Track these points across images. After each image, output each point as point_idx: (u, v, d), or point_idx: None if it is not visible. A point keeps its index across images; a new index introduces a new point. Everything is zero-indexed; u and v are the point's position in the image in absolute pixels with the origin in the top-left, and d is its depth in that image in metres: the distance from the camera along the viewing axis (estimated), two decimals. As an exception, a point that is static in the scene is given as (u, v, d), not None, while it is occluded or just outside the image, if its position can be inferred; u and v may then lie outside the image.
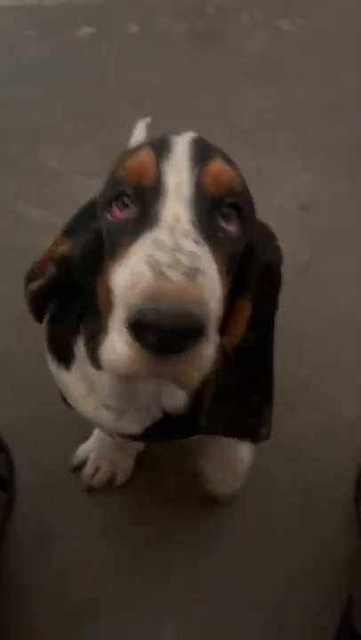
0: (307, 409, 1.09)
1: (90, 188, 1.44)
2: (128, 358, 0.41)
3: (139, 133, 1.50)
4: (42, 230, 1.36)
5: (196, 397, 0.61)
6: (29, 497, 0.97)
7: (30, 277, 0.64)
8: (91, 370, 0.63)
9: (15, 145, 1.59)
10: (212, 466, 0.94)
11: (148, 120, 1.51)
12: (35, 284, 0.62)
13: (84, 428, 1.01)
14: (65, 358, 0.67)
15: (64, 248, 0.59)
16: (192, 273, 0.40)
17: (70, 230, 0.60)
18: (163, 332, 0.38)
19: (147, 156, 0.50)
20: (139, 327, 0.39)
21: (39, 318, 0.69)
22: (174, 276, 0.39)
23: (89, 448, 1.00)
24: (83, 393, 0.67)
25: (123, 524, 0.95)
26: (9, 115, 1.70)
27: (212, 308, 0.42)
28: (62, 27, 2.01)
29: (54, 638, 0.84)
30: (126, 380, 0.45)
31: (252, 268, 0.54)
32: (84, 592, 0.88)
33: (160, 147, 0.50)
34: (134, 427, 0.67)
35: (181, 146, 0.50)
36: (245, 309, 0.54)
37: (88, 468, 0.99)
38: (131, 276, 0.42)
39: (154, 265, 0.40)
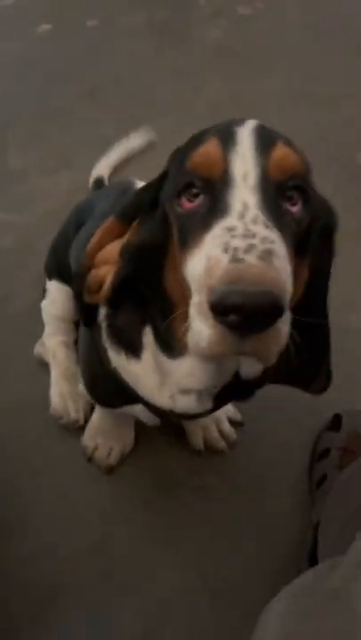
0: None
1: (50, 185, 1.49)
2: (213, 340, 0.44)
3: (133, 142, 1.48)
4: (3, 231, 1.39)
5: None
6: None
7: (82, 274, 0.63)
8: (164, 359, 0.63)
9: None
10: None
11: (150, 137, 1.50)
12: (107, 286, 0.61)
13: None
14: (133, 348, 0.67)
15: (131, 236, 0.59)
16: (267, 256, 0.42)
17: (128, 216, 0.60)
18: (247, 312, 0.41)
19: (214, 149, 0.50)
20: (222, 309, 0.41)
21: (91, 318, 0.70)
22: (251, 259, 0.42)
23: (92, 435, 1.04)
24: (156, 384, 0.67)
25: (83, 509, 1.00)
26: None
27: (288, 287, 0.44)
28: (20, 25, 2.02)
29: (15, 618, 0.89)
30: (210, 361, 0.48)
31: (311, 233, 0.55)
32: (45, 577, 0.93)
33: (225, 137, 0.51)
34: (209, 403, 0.68)
35: (246, 135, 0.51)
36: (303, 274, 0.56)
37: (100, 453, 1.03)
38: (208, 261, 0.44)
39: (230, 250, 0.43)
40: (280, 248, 0.45)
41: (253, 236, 0.44)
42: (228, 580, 0.94)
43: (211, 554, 0.96)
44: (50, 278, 1.11)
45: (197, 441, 1.05)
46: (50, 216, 1.41)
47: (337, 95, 1.86)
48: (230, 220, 0.46)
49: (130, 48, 1.98)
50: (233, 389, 0.68)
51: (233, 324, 0.42)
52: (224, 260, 0.42)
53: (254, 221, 0.45)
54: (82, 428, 1.06)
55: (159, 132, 1.64)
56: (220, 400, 0.70)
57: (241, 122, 0.54)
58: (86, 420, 1.07)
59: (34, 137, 1.65)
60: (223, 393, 0.68)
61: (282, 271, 0.43)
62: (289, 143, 0.53)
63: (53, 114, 1.72)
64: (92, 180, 1.41)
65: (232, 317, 0.42)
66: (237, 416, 1.09)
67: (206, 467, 1.05)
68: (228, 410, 1.08)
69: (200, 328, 0.45)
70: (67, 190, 1.48)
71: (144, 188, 0.61)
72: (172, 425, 1.06)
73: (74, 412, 1.07)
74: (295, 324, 0.51)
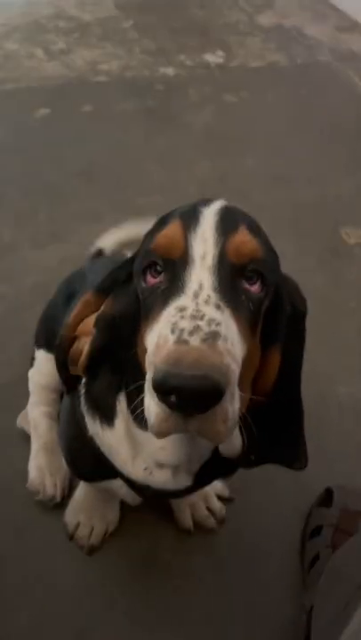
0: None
1: (40, 258, 1.52)
2: (159, 417, 0.45)
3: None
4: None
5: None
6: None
7: (64, 345, 0.64)
8: (136, 429, 0.63)
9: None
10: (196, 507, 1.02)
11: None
12: (84, 356, 0.62)
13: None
14: (108, 415, 0.67)
15: (106, 307, 0.61)
16: (211, 338, 0.43)
17: (104, 290, 0.63)
18: (183, 395, 0.42)
19: (175, 231, 0.53)
20: (162, 389, 0.43)
21: (73, 386, 0.70)
22: (193, 341, 0.43)
23: (75, 511, 1.00)
24: (130, 454, 0.66)
25: (60, 595, 0.95)
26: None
27: (233, 369, 0.44)
28: (19, 109, 2.14)
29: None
30: (160, 437, 0.48)
31: (280, 318, 0.57)
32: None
33: (189, 218, 0.53)
34: (187, 480, 0.67)
35: (209, 217, 0.53)
36: (275, 358, 0.57)
37: (82, 532, 0.99)
38: (158, 339, 0.46)
39: (176, 331, 0.44)
40: (228, 330, 0.46)
41: (202, 317, 0.45)
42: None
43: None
44: (38, 347, 1.11)
45: (186, 520, 1.01)
46: (39, 288, 1.43)
47: (315, 176, 1.95)
48: (184, 300, 0.47)
49: (123, 132, 2.08)
50: (214, 467, 0.67)
51: (173, 405, 0.43)
52: (170, 340, 0.44)
53: (206, 302, 0.46)
54: (61, 505, 1.02)
55: (150, 211, 1.70)
56: (202, 478, 0.68)
57: (208, 202, 0.56)
58: (64, 497, 1.04)
59: (25, 213, 1.69)
60: (205, 471, 0.67)
61: (226, 354, 0.44)
62: (253, 227, 0.55)
63: (46, 190, 1.78)
64: (93, 249, 1.40)
65: (172, 398, 0.42)
66: (225, 492, 1.06)
67: (193, 546, 1.00)
68: (216, 485, 1.05)
69: (149, 403, 0.47)
70: (56, 264, 1.51)
71: (120, 265, 0.63)
72: (159, 503, 1.02)
73: (51, 487, 1.03)
74: (268, 405, 0.52)
